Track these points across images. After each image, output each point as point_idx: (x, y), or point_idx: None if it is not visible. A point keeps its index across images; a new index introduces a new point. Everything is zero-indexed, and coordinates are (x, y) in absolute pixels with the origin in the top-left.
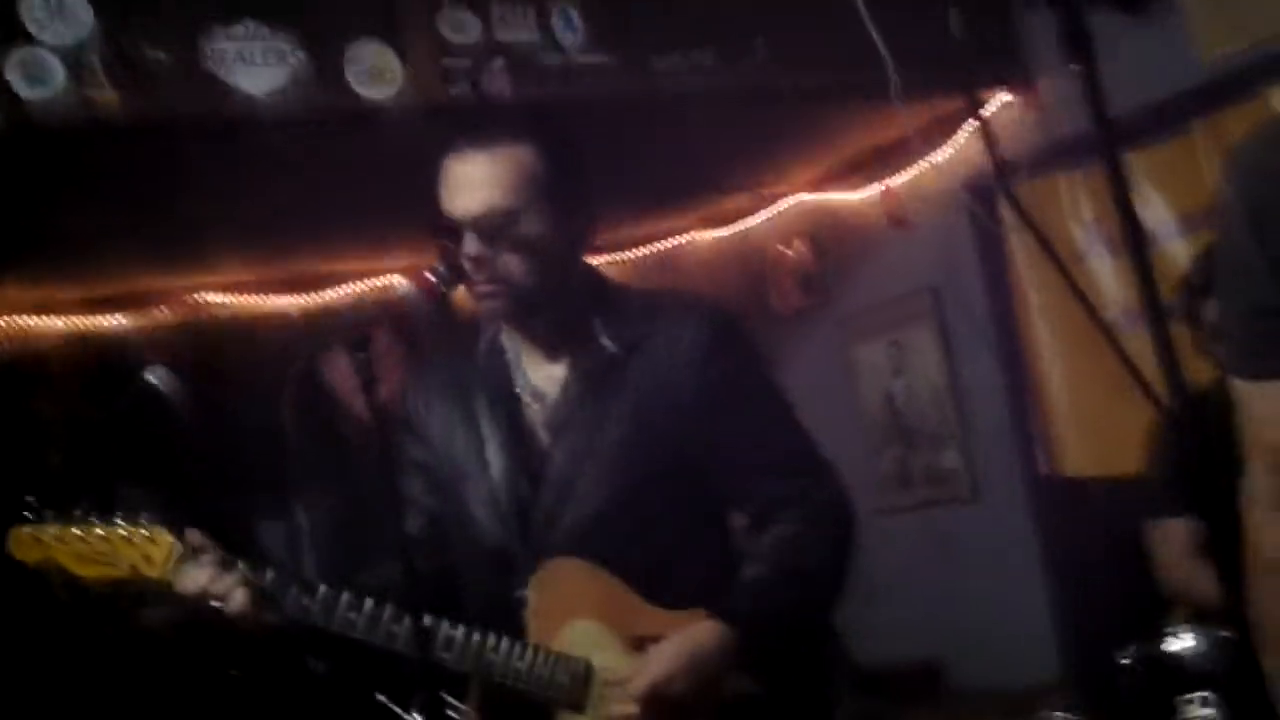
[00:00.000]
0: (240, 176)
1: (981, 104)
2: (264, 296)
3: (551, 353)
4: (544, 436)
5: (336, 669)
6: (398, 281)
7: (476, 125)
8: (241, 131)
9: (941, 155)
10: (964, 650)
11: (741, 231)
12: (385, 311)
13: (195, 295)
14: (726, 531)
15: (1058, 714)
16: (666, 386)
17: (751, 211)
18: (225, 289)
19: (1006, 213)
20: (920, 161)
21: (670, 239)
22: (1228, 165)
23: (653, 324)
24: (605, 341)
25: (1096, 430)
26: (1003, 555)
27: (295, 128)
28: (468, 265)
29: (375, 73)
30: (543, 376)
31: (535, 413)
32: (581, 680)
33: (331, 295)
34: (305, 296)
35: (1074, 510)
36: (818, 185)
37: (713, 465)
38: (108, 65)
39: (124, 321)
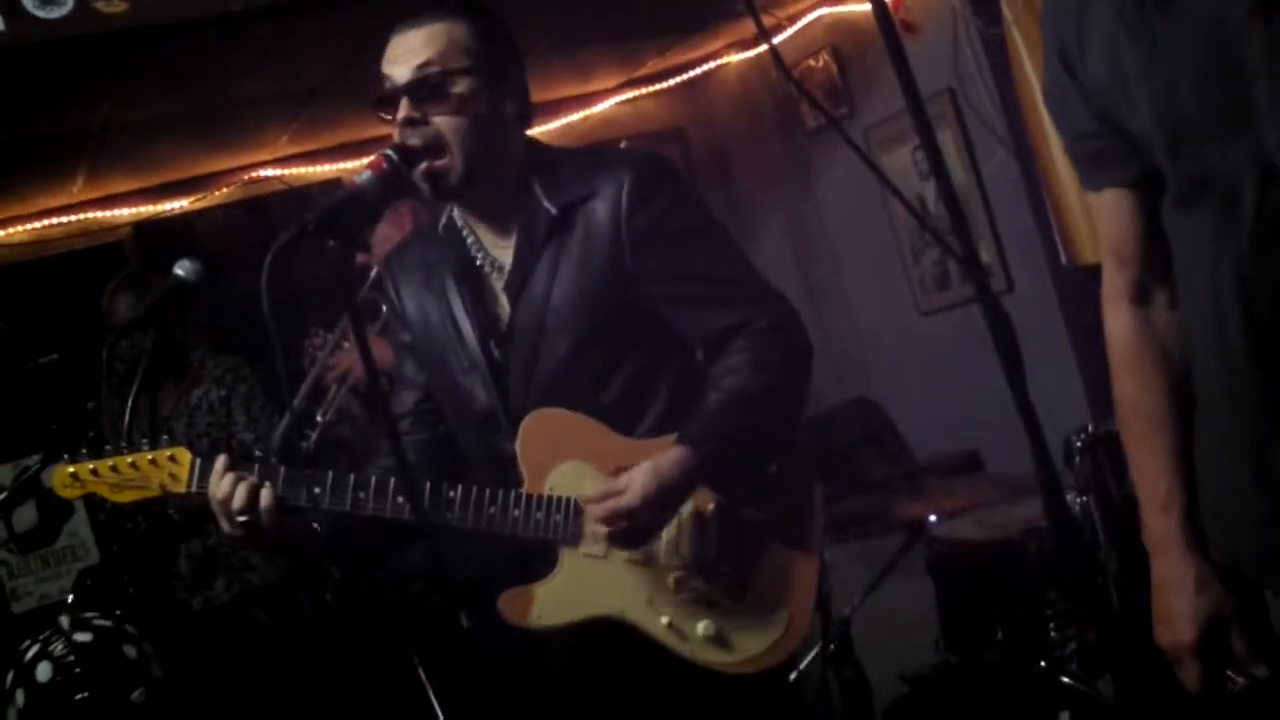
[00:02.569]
0: (270, 61)
1: None
2: (314, 166)
3: (500, 222)
4: (505, 301)
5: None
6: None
7: (414, 10)
8: (255, 19)
9: None
10: (1003, 438)
11: (767, 52)
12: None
13: (250, 173)
14: (690, 363)
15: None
16: (606, 238)
17: (775, 31)
18: (277, 163)
19: (1006, 10)
20: None
21: (700, 66)
22: (1044, 8)
23: (589, 182)
24: (546, 204)
25: None
26: (1036, 343)
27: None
28: (403, 131)
29: None
30: (497, 247)
31: (495, 280)
32: (573, 516)
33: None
34: (351, 161)
35: (1090, 297)
36: (832, 1)
37: (661, 305)
38: None
39: (185, 205)
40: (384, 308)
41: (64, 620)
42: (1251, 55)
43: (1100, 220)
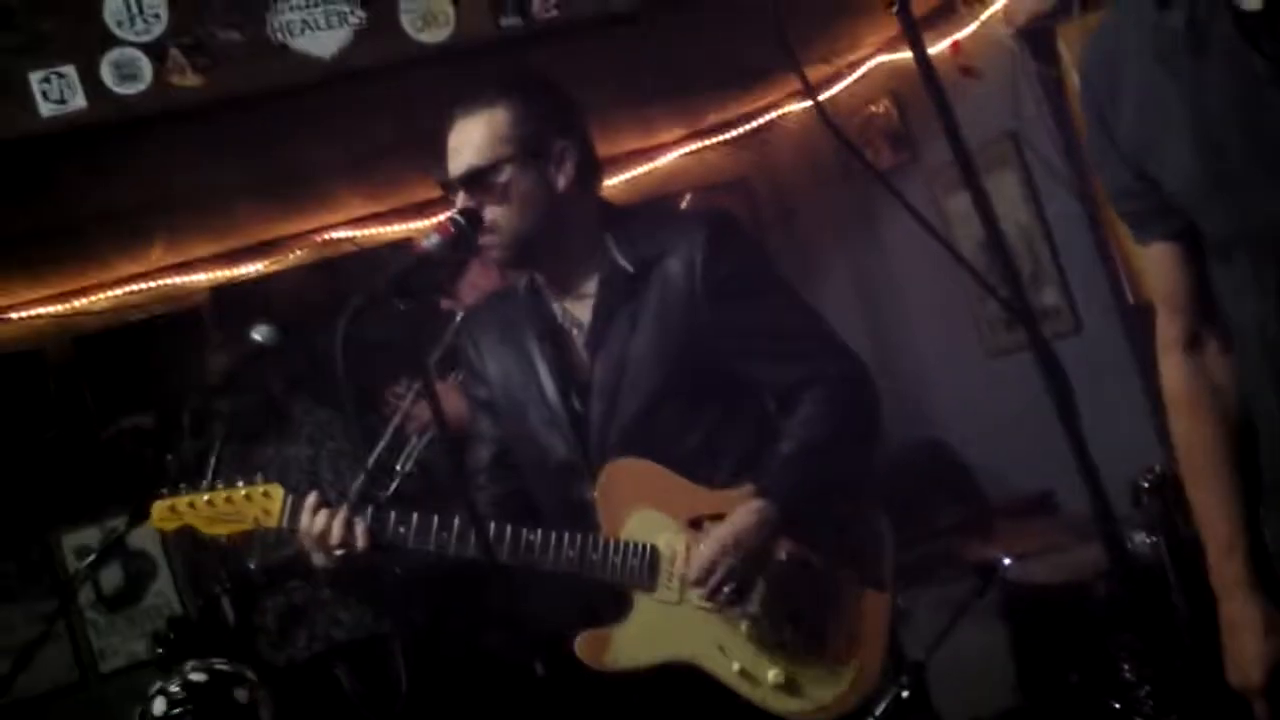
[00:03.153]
0: (341, 124)
1: None
2: (385, 227)
3: (574, 281)
4: (585, 356)
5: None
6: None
7: (469, 95)
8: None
9: (1001, 2)
10: (1076, 478)
11: (829, 99)
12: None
13: (323, 234)
14: (763, 413)
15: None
16: (680, 295)
17: (835, 80)
18: (349, 225)
19: (1064, 51)
20: (981, 12)
21: (761, 116)
22: (1079, 69)
23: (662, 240)
24: (623, 263)
25: None
26: (1107, 383)
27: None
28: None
29: (430, 17)
30: (574, 304)
31: (575, 338)
32: (650, 561)
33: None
34: (421, 221)
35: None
36: (890, 47)
37: (733, 359)
38: (188, 52)
39: (261, 268)
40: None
41: (189, 664)
42: (1276, 109)
43: (1150, 271)
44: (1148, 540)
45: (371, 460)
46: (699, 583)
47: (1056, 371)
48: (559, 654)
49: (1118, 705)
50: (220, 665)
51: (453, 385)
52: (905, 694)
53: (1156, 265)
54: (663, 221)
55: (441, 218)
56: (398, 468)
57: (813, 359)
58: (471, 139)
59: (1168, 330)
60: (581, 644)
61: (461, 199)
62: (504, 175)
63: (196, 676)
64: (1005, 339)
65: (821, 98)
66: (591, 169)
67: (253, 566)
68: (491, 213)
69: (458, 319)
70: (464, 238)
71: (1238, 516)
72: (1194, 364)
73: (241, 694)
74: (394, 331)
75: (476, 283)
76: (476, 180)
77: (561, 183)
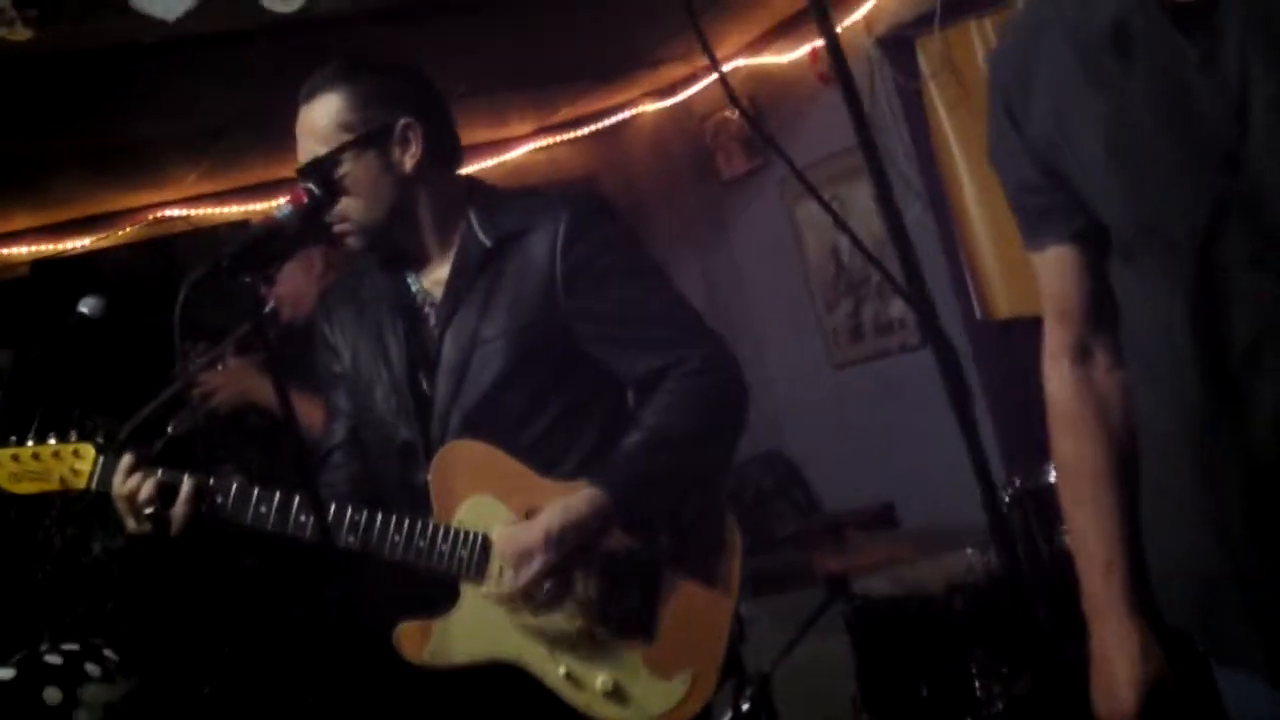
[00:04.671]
0: (178, 94)
1: None
2: (220, 207)
3: (433, 259)
4: (436, 333)
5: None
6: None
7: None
8: (162, 53)
9: (862, 11)
10: (914, 490)
11: (684, 100)
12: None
13: (155, 212)
14: (621, 405)
15: (971, 549)
16: (540, 273)
17: (692, 81)
18: (183, 203)
19: (923, 63)
20: (844, 19)
21: (616, 114)
22: (988, 63)
23: (527, 218)
24: (481, 237)
25: (1019, 272)
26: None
27: (214, 45)
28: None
29: None
30: (430, 279)
31: (429, 313)
32: (480, 552)
33: (275, 206)
34: (260, 203)
35: (1004, 351)
36: (751, 50)
37: (591, 345)
38: (19, 4)
39: (89, 244)
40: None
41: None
42: (1204, 104)
43: (1042, 278)
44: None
45: (139, 417)
46: (509, 558)
47: (955, 375)
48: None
49: None
50: (52, 658)
51: (250, 363)
52: (746, 706)
53: (1050, 270)
54: (528, 201)
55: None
56: (168, 429)
57: (674, 347)
58: (312, 127)
59: (1057, 340)
60: (401, 637)
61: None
62: (344, 166)
63: (4, 674)
64: (851, 351)
65: (676, 99)
66: (446, 145)
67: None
68: (339, 203)
69: (268, 306)
70: (317, 209)
71: (1118, 537)
72: (1082, 376)
73: (53, 694)
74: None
75: (295, 272)
76: (318, 171)
77: (408, 164)
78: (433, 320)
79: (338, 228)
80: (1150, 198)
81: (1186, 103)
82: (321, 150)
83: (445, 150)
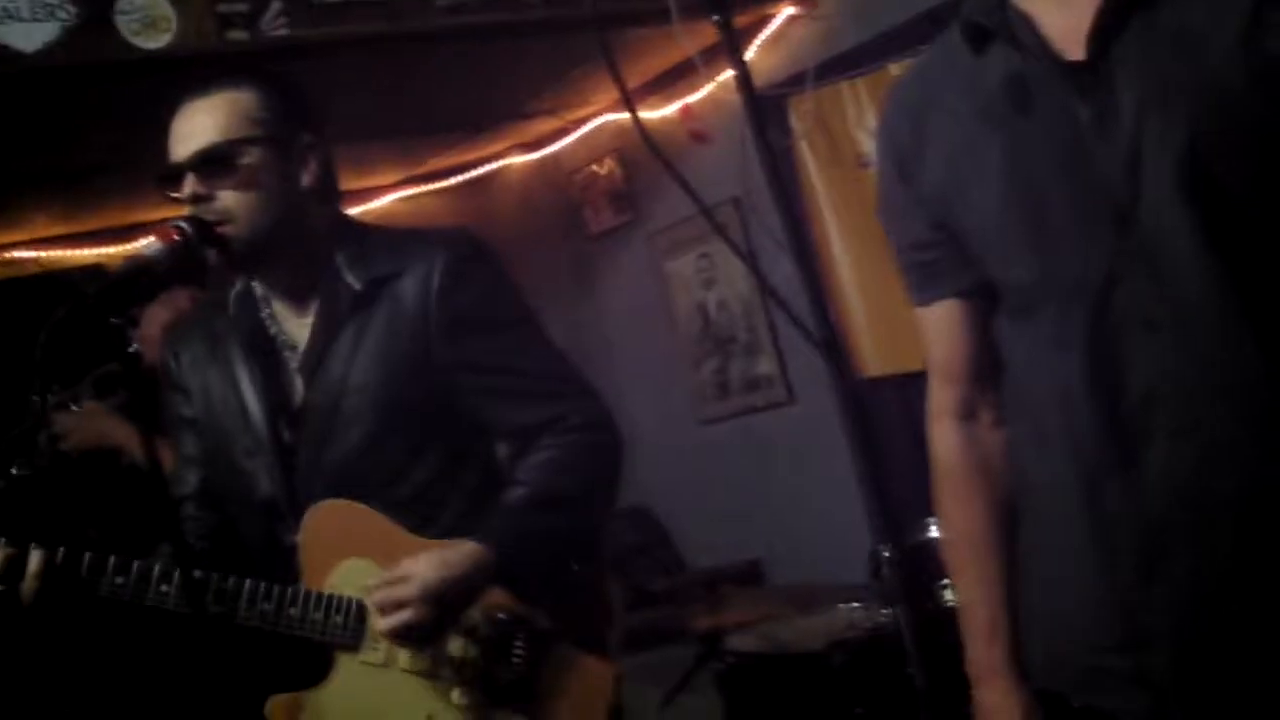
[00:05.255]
0: (36, 131)
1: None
2: (73, 250)
3: (299, 297)
4: (299, 382)
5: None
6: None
7: (201, 79)
8: (22, 87)
9: (728, 72)
10: (781, 547)
11: (553, 154)
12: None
13: (3, 253)
14: (492, 460)
15: (848, 605)
16: (413, 320)
17: (561, 135)
18: (33, 245)
19: (795, 121)
20: (715, 77)
21: (483, 165)
22: (880, 113)
23: (399, 260)
24: (350, 280)
25: (889, 330)
26: (816, 456)
27: (77, 80)
28: (190, 207)
29: (149, 21)
30: (293, 323)
31: (289, 358)
32: (355, 619)
33: (143, 244)
34: (114, 247)
35: (872, 408)
36: (618, 106)
37: (467, 396)
38: None
39: None
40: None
41: None
42: (1097, 163)
43: (928, 335)
44: (884, 613)
45: None
46: (380, 607)
47: (860, 419)
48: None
49: None
50: None
51: (105, 406)
52: None
53: (938, 327)
54: (401, 240)
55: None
56: (12, 470)
57: (553, 401)
58: (209, 120)
59: (941, 398)
60: (273, 710)
61: (189, 184)
62: (248, 158)
63: None
64: (716, 407)
65: (545, 152)
66: (332, 178)
67: None
68: (227, 199)
69: (132, 348)
70: (187, 246)
71: (1002, 599)
72: (966, 434)
73: None
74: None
75: (159, 314)
76: (214, 161)
77: (305, 180)
78: (293, 365)
79: (220, 228)
80: (1045, 254)
81: (1081, 161)
82: (221, 139)
83: (331, 180)
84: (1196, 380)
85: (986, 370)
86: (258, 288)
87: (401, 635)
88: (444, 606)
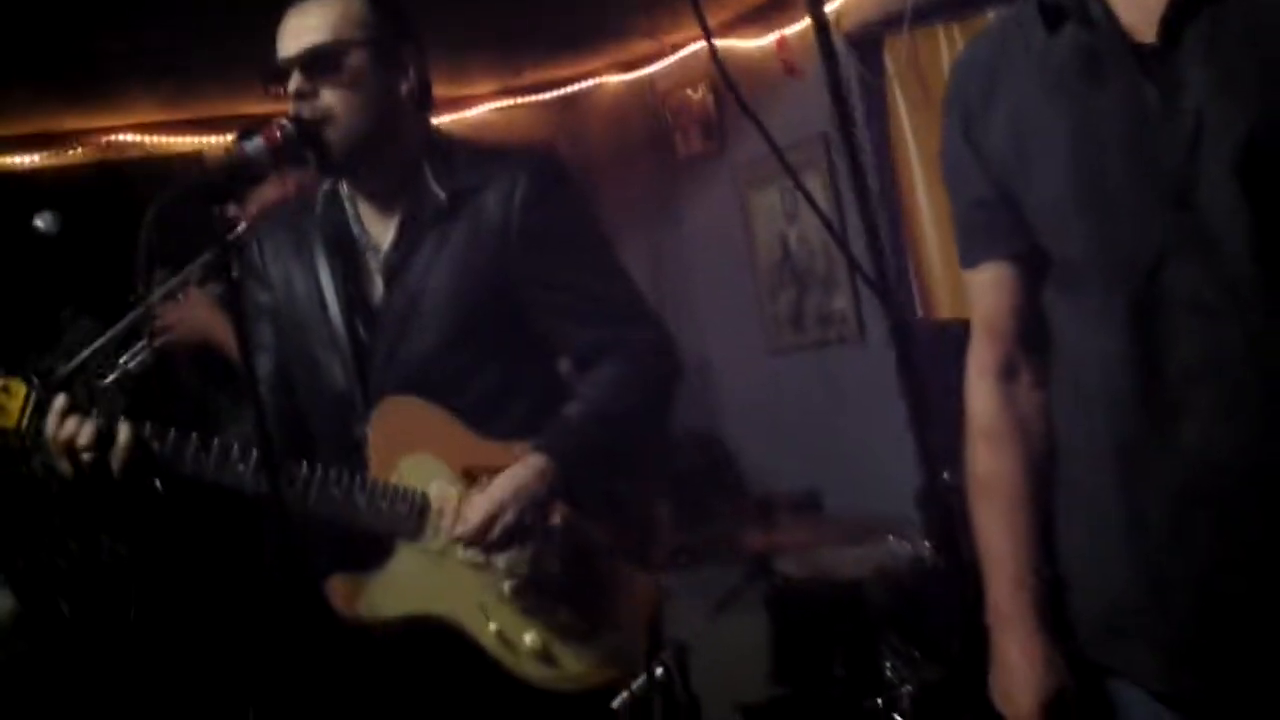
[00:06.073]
0: (144, 14)
1: None
2: (176, 136)
3: (385, 202)
4: (379, 282)
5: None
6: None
7: None
8: None
9: (831, 5)
10: (841, 479)
11: (647, 77)
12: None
13: (108, 136)
14: (554, 371)
15: (894, 538)
16: (493, 233)
17: (656, 58)
18: (138, 129)
19: (889, 62)
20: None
21: (578, 83)
22: (950, 72)
23: (483, 174)
24: (435, 190)
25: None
26: (881, 393)
27: None
28: (295, 103)
29: None
30: (377, 226)
31: (370, 259)
32: (418, 510)
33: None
34: (216, 136)
35: (938, 353)
36: (718, 33)
37: (537, 310)
38: None
39: (38, 161)
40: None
41: None
42: (1160, 145)
43: (975, 295)
44: (925, 545)
45: (89, 350)
46: (471, 535)
47: (911, 368)
48: (316, 596)
49: (879, 701)
50: None
51: (208, 295)
52: (661, 672)
53: (985, 287)
54: (487, 156)
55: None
56: (121, 361)
57: (619, 324)
58: (319, 19)
59: (984, 356)
60: (334, 590)
61: (295, 80)
62: (353, 59)
63: None
64: (789, 338)
65: (640, 74)
66: (427, 90)
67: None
68: (331, 98)
69: (240, 227)
70: (289, 146)
71: (1030, 553)
72: (1006, 394)
73: None
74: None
75: (268, 195)
76: (321, 60)
77: (403, 89)
78: (374, 266)
79: (325, 135)
80: (1101, 231)
81: (1144, 142)
82: (331, 39)
83: (426, 92)
84: (1240, 361)
85: (1031, 332)
86: (344, 188)
87: (483, 549)
88: (519, 521)
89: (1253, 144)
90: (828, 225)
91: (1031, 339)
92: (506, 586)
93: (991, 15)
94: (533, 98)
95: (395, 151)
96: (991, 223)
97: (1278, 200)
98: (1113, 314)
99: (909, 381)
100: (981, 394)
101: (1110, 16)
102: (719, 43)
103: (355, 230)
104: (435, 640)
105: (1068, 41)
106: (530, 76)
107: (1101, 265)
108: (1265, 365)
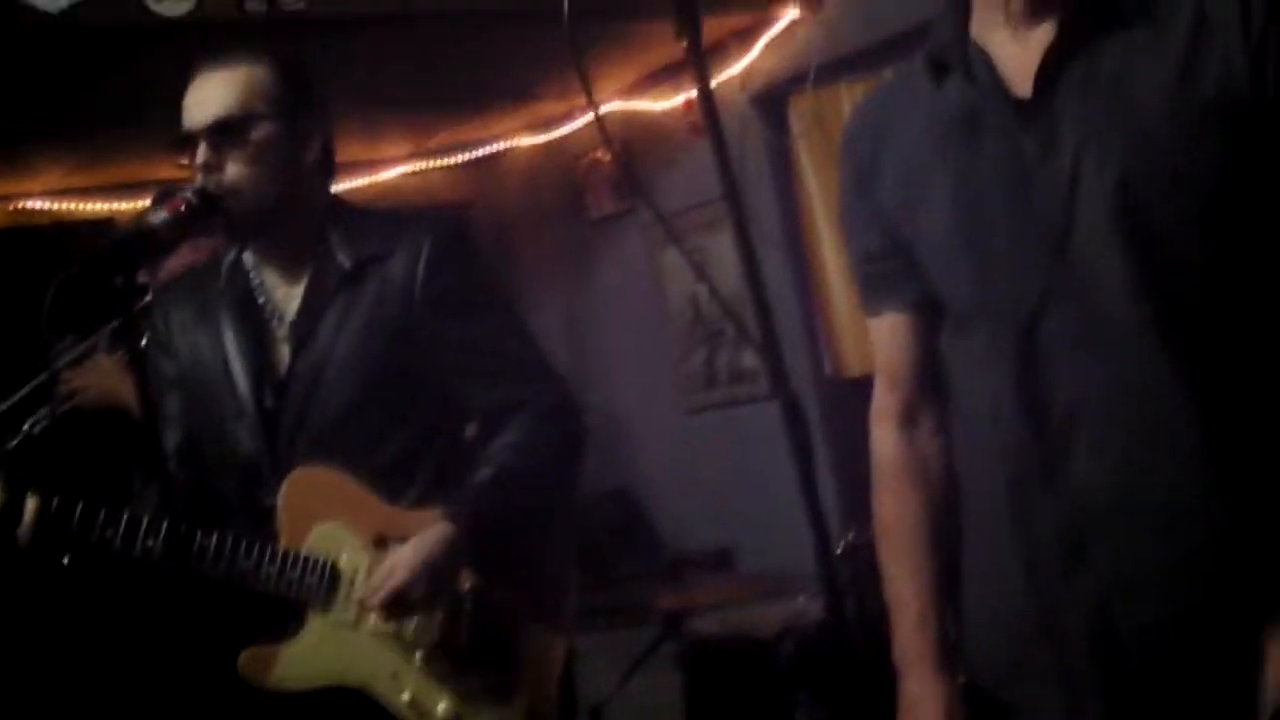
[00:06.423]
0: (55, 85)
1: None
2: (86, 202)
3: (290, 270)
4: (285, 350)
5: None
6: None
7: (218, 48)
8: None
9: (738, 67)
10: (754, 537)
11: (559, 138)
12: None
13: (18, 202)
14: (461, 435)
15: (804, 596)
16: (398, 298)
17: (568, 118)
18: (48, 195)
19: (794, 120)
20: (720, 73)
21: (490, 145)
22: (844, 127)
23: (388, 240)
24: (341, 259)
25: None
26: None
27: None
28: (199, 175)
29: None
30: (282, 293)
31: (276, 327)
32: (328, 580)
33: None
34: (127, 202)
35: (852, 410)
36: (627, 94)
37: (443, 374)
38: None
39: None
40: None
41: None
42: (1038, 195)
43: (876, 343)
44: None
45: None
46: (381, 604)
47: (799, 427)
48: (226, 668)
49: None
50: None
51: (119, 361)
52: None
53: (885, 336)
54: (390, 223)
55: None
56: (25, 427)
57: (525, 384)
58: (224, 90)
59: (885, 402)
60: (245, 661)
61: (201, 152)
62: (259, 131)
63: None
64: (701, 396)
65: (551, 135)
66: (331, 158)
67: None
68: (234, 171)
69: (147, 296)
70: (194, 217)
71: (931, 594)
72: (906, 439)
73: None
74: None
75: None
76: (227, 132)
77: (309, 158)
78: (280, 334)
79: (231, 208)
80: (985, 278)
81: (1022, 192)
82: (236, 112)
83: (330, 160)
84: (1118, 403)
85: (929, 379)
86: (249, 257)
87: (392, 611)
88: (425, 588)
89: (1125, 193)
90: (711, 289)
91: (930, 385)
92: (418, 655)
93: (889, 73)
94: (445, 160)
95: (301, 220)
96: (886, 273)
97: (1151, 246)
98: (999, 358)
99: (797, 442)
100: (883, 440)
101: (992, 71)
102: (629, 104)
103: (261, 298)
104: (350, 710)
105: (952, 96)
106: (442, 139)
107: (986, 312)
108: (1145, 404)
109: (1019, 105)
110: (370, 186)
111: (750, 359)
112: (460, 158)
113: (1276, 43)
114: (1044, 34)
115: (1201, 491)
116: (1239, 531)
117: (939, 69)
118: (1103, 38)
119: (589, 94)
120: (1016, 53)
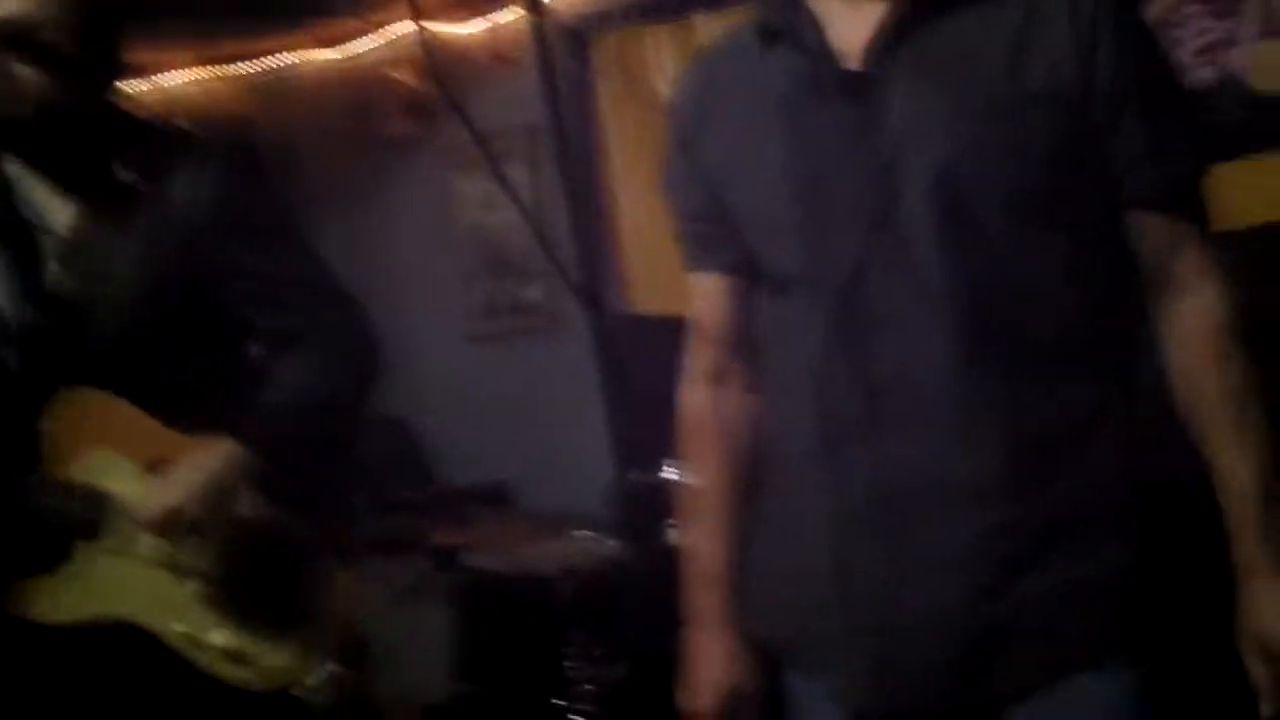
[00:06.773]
0: None
1: None
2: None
3: (64, 183)
4: (55, 266)
5: None
6: None
7: None
8: None
9: None
10: (533, 474)
11: (353, 55)
12: None
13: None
14: (248, 360)
15: (582, 533)
16: (181, 220)
17: (362, 35)
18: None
19: (596, 58)
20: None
21: (280, 56)
22: (673, 88)
23: (171, 159)
24: (122, 174)
25: (661, 271)
26: (575, 386)
27: None
28: None
29: None
30: (54, 207)
31: (46, 242)
32: (95, 507)
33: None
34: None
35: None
36: (427, 16)
37: (228, 298)
38: None
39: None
40: None
41: None
42: (860, 166)
43: (694, 302)
44: (610, 544)
45: None
46: (153, 526)
47: (613, 362)
48: None
49: (562, 701)
50: None
51: None
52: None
53: (702, 294)
54: (175, 138)
55: None
56: None
57: (314, 308)
58: None
59: (696, 361)
60: (8, 594)
61: None
62: (45, 34)
63: None
64: (483, 326)
65: (345, 52)
66: (118, 68)
67: None
68: (20, 70)
69: None
70: None
71: (726, 553)
72: (715, 397)
73: None
74: None
75: None
76: (11, 30)
77: (95, 65)
78: (50, 248)
79: (8, 112)
80: (805, 245)
81: (846, 164)
82: (20, 16)
83: (114, 73)
84: (922, 378)
85: (743, 341)
86: (13, 168)
87: (162, 530)
88: (202, 509)
89: (946, 172)
90: (525, 216)
91: (743, 347)
92: (191, 585)
93: (697, 21)
94: (230, 69)
95: (81, 131)
96: (707, 235)
97: (968, 225)
98: (816, 325)
99: (608, 377)
100: (691, 396)
101: (822, 39)
102: (429, 25)
103: (28, 211)
104: (123, 642)
105: (781, 63)
106: (230, 48)
107: (805, 278)
108: (947, 382)
109: (846, 77)
110: (150, 91)
111: (533, 292)
112: (245, 68)
113: (1103, 37)
114: (880, 7)
115: (999, 472)
116: (1032, 514)
117: (769, 35)
118: (938, 18)
119: (415, 12)
120: (852, 24)
